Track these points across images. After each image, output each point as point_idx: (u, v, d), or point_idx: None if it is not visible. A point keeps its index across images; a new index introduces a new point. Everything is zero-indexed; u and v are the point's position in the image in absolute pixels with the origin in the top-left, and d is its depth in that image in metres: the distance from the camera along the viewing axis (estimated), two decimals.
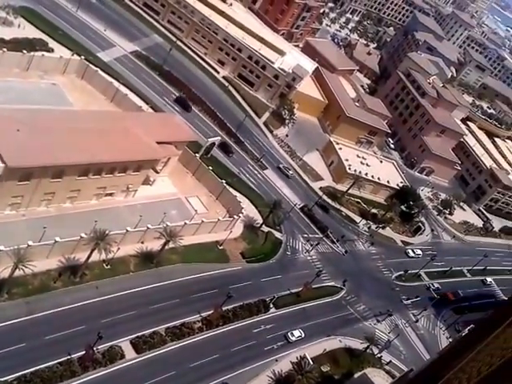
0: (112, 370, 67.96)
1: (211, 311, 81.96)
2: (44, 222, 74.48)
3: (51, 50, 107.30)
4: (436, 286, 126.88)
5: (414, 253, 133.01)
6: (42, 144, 74.05)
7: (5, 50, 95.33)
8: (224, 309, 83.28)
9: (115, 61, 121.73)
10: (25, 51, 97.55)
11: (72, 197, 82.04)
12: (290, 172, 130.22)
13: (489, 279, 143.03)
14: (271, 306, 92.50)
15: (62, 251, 74.30)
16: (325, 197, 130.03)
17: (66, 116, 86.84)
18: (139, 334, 73.21)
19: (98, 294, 73.98)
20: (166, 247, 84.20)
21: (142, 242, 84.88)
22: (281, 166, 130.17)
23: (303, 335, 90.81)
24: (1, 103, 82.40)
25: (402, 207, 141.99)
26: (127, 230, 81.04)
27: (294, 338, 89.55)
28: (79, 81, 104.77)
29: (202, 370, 74.94)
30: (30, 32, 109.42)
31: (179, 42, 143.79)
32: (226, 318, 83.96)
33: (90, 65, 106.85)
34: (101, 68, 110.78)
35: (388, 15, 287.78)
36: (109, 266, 78.63)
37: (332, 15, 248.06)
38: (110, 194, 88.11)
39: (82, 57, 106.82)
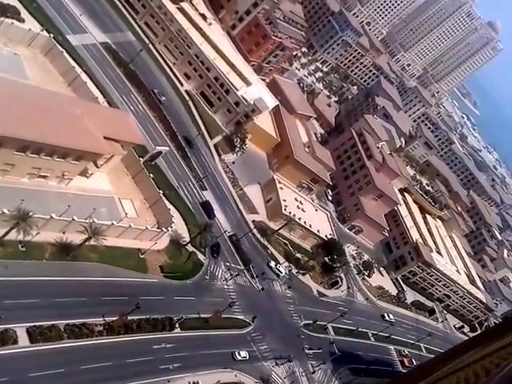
0: (1, 352, 65.40)
1: (116, 318, 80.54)
2: None
3: (22, 21, 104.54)
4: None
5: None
6: None
7: None
8: (129, 318, 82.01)
9: (83, 47, 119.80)
10: None
11: (4, 170, 79.36)
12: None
13: (391, 347, 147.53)
14: (177, 325, 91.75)
15: None
16: (255, 231, 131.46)
17: (18, 88, 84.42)
18: (37, 323, 70.95)
19: (6, 274, 71.28)
20: (87, 243, 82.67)
21: (64, 233, 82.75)
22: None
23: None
24: None
25: (326, 259, 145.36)
26: (51, 217, 79.02)
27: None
28: (42, 57, 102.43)
29: (92, 374, 73.09)
30: None
31: (151, 46, 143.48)
32: (128, 328, 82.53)
33: (57, 44, 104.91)
34: (67, 50, 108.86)
35: (355, 74, 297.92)
36: (24, 249, 76.16)
37: (303, 60, 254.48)
38: (44, 177, 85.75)
39: (51, 35, 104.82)
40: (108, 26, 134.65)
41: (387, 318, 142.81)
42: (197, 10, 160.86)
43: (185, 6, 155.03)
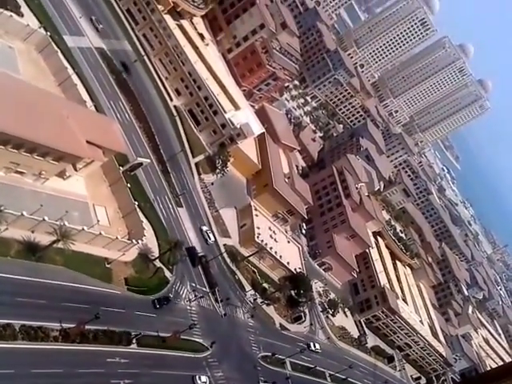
0: None
1: (74, 325, 78.74)
2: None
3: (21, 15, 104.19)
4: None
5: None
6: None
7: None
8: (87, 327, 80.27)
9: (78, 49, 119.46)
10: None
11: None
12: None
13: None
14: (134, 341, 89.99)
15: None
16: (225, 255, 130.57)
17: (7, 81, 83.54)
18: None
19: None
20: (55, 245, 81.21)
21: (33, 232, 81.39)
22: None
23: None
24: None
25: (292, 292, 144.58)
26: (22, 214, 77.71)
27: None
28: (36, 54, 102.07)
29: (42, 379, 71.55)
30: None
31: (146, 58, 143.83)
32: (85, 337, 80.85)
33: (53, 43, 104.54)
34: (62, 51, 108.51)
35: (343, 113, 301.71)
36: None
37: (294, 92, 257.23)
38: (21, 173, 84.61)
39: (48, 33, 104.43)
40: (106, 32, 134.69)
41: (313, 347, 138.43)
42: (196, 29, 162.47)
43: (184, 23, 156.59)
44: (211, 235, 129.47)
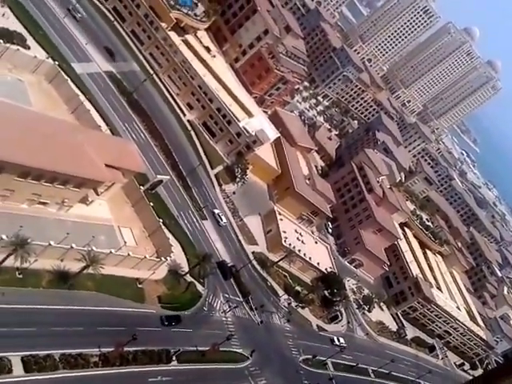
0: None
1: (112, 349, 78.78)
2: None
3: (28, 48, 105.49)
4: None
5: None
6: None
7: None
8: (126, 349, 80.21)
9: (87, 75, 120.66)
10: (1, 41, 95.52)
11: (4, 196, 78.86)
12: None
13: None
14: (174, 358, 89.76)
15: None
16: (255, 262, 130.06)
17: (22, 114, 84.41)
18: (33, 352, 69.49)
19: (2, 301, 70.12)
20: (85, 271, 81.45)
21: (62, 260, 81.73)
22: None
23: None
24: None
25: (326, 292, 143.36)
26: (50, 244, 78.11)
27: None
28: (46, 84, 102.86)
29: None
30: (13, 24, 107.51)
31: (155, 76, 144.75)
32: (124, 360, 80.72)
33: (62, 72, 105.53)
34: (71, 78, 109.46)
35: (356, 109, 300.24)
36: (21, 276, 75.05)
37: (305, 94, 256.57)
38: (44, 204, 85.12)
39: (56, 62, 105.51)
40: (113, 55, 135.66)
41: (337, 342, 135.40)
42: (201, 42, 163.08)
43: (189, 38, 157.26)
44: (223, 217, 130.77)
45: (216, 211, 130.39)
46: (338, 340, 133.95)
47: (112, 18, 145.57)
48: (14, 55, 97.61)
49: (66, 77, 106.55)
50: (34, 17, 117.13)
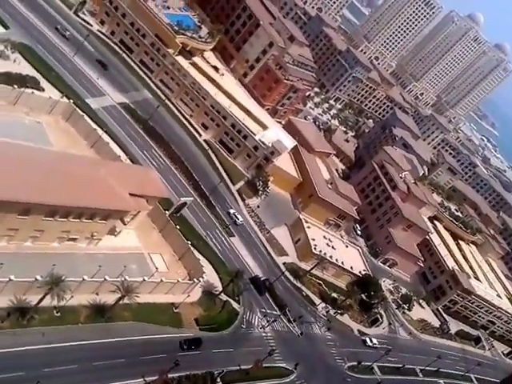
0: None
1: (156, 377, 78.69)
2: (2, 258, 72.29)
3: (42, 89, 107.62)
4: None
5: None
6: (11, 178, 72.52)
7: None
8: (169, 376, 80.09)
9: (103, 109, 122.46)
10: (15, 86, 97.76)
11: (34, 236, 79.91)
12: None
13: (441, 382, 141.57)
14: (218, 380, 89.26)
15: (15, 290, 71.52)
16: (287, 273, 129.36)
17: (43, 155, 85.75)
18: None
19: (43, 341, 70.67)
20: (120, 302, 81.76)
21: (97, 294, 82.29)
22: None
23: None
24: None
25: (363, 296, 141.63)
26: (83, 279, 78.72)
27: None
28: (64, 123, 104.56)
29: None
30: (25, 69, 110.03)
31: (167, 101, 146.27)
32: None
33: (77, 109, 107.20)
34: (87, 114, 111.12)
35: (369, 108, 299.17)
36: (59, 314, 75.63)
37: (316, 99, 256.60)
38: (73, 239, 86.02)
39: (71, 100, 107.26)
40: (125, 87, 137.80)
41: (369, 343, 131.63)
42: (208, 62, 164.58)
43: (197, 60, 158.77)
44: (239, 216, 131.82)
45: (231, 211, 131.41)
46: (371, 341, 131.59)
47: (120, 51, 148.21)
48: (30, 98, 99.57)
49: (82, 113, 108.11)
50: (44, 59, 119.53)
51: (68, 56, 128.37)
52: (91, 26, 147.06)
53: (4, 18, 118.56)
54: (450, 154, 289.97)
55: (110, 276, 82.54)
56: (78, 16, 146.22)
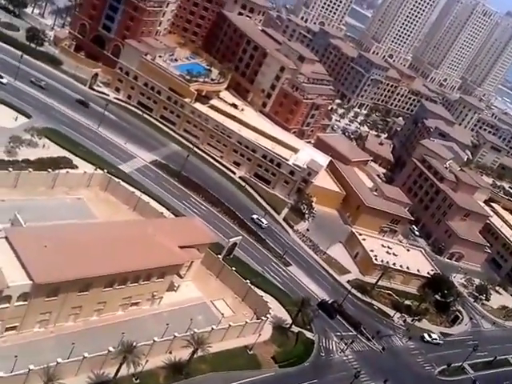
0: None
1: None
2: (72, 337, 73.70)
3: (75, 167, 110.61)
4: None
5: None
6: (68, 258, 74.47)
7: (30, 170, 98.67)
8: None
9: (136, 171, 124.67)
10: (50, 170, 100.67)
11: (99, 309, 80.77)
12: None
13: None
14: None
15: (91, 366, 71.97)
16: (354, 290, 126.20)
17: (91, 228, 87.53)
18: None
19: None
20: (195, 356, 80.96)
21: (170, 352, 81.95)
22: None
23: None
24: (28, 221, 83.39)
25: (437, 296, 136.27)
26: (154, 341, 78.55)
27: None
28: (103, 193, 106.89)
29: None
30: (55, 151, 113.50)
31: (196, 149, 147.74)
32: None
33: (113, 177, 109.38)
34: (123, 179, 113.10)
35: (395, 106, 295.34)
36: (138, 380, 75.41)
37: (340, 111, 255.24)
38: (136, 304, 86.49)
39: (105, 170, 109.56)
40: (152, 145, 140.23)
41: (428, 338, 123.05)
42: (226, 102, 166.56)
43: (214, 102, 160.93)
44: (264, 220, 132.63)
45: (254, 216, 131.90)
46: (430, 336, 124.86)
47: (140, 112, 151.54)
48: (66, 178, 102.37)
49: (118, 180, 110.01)
50: (71, 137, 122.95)
51: (93, 129, 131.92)
52: (107, 95, 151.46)
53: (25, 108, 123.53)
54: (490, 132, 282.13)
55: (179, 332, 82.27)
56: (94, 89, 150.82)
